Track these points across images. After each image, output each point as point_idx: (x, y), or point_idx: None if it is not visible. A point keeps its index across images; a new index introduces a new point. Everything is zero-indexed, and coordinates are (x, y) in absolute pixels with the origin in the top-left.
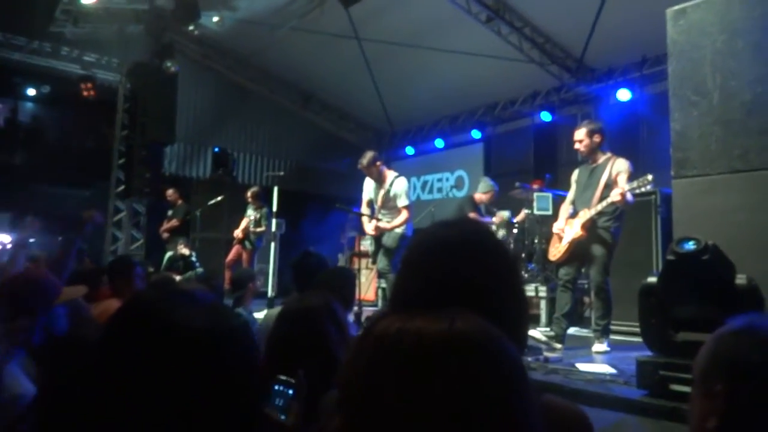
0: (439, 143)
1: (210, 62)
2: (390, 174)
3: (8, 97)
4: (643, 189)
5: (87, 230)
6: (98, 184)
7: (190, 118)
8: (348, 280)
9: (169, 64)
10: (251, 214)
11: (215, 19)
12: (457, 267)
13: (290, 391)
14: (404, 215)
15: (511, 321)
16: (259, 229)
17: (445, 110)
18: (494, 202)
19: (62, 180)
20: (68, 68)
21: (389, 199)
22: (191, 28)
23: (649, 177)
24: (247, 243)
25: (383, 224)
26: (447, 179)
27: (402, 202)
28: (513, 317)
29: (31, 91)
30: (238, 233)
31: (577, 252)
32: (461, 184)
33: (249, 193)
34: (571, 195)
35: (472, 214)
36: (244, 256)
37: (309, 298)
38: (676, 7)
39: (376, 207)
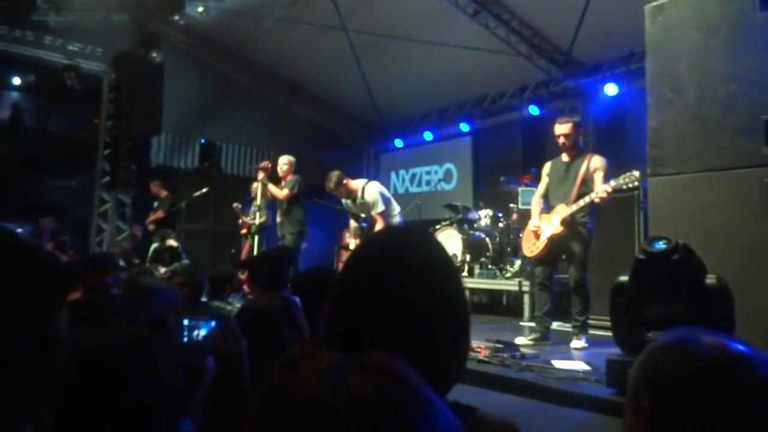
0: (428, 136)
1: (197, 52)
2: (357, 185)
3: None
4: (630, 185)
5: (45, 238)
6: (84, 174)
7: (177, 109)
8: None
9: (154, 54)
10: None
11: (200, 9)
12: (387, 285)
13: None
14: (379, 224)
15: (450, 338)
16: (261, 220)
17: (434, 103)
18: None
19: (48, 171)
20: (52, 57)
21: (368, 209)
22: (176, 17)
23: (636, 173)
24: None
25: None
26: (435, 172)
27: (377, 209)
28: (451, 335)
29: (16, 80)
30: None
31: (555, 248)
32: (449, 177)
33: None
34: (542, 188)
35: None
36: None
37: (264, 299)
38: (654, 3)
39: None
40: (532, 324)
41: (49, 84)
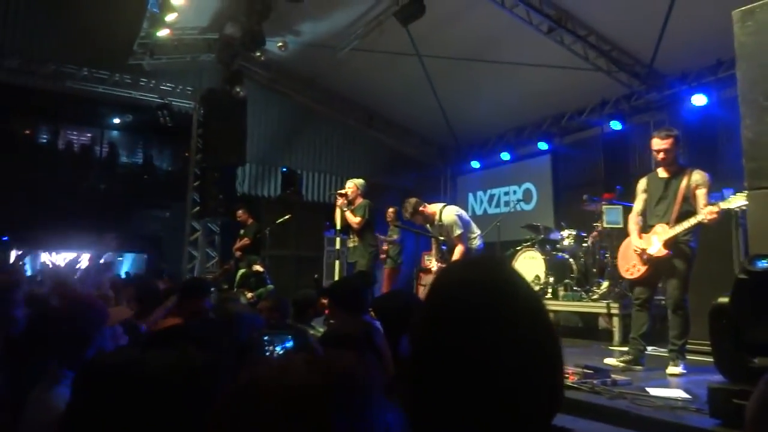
0: (505, 156)
1: (277, 85)
2: (435, 208)
3: (95, 126)
4: (744, 208)
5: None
6: (176, 205)
7: (260, 140)
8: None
9: (238, 89)
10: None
11: (279, 44)
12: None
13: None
14: (459, 249)
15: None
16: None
17: (510, 122)
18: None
19: (144, 202)
20: (147, 97)
21: (447, 232)
22: (258, 54)
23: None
24: (389, 261)
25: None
26: (514, 192)
27: (455, 231)
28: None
29: (116, 120)
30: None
31: (658, 270)
32: (529, 197)
33: (391, 210)
34: (639, 206)
35: None
36: (391, 274)
37: (347, 325)
38: (743, 8)
39: (440, 240)
40: (624, 348)
41: (144, 122)
